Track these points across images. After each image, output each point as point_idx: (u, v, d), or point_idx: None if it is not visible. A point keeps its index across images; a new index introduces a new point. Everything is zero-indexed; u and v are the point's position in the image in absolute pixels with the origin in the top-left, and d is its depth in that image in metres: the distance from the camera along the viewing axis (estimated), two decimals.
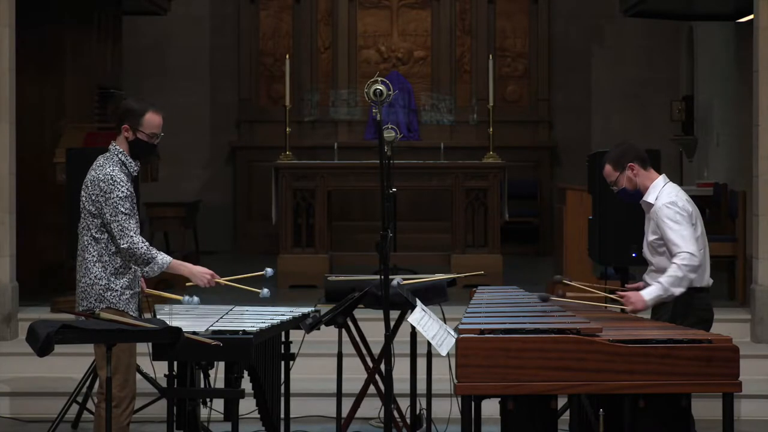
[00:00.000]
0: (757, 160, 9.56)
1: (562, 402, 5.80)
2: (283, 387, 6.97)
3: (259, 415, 6.69)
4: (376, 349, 7.24)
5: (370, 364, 7.34)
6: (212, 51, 15.62)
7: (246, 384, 6.26)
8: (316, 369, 8.60)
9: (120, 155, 6.21)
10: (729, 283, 10.66)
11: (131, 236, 6.08)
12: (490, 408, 5.86)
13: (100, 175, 6.13)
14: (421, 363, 7.41)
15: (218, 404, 6.84)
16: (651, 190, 6.50)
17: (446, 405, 7.55)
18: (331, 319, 6.93)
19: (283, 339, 6.94)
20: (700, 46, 14.82)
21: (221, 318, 6.42)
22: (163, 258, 6.14)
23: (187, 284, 6.40)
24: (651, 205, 6.47)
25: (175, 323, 5.74)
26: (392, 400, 6.34)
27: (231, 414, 6.23)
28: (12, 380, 8.88)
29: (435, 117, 15.33)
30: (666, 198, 6.41)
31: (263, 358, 6.48)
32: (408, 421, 7.50)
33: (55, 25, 11.61)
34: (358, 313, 7.24)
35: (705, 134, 14.47)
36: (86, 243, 6.18)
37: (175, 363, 6.34)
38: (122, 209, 6.08)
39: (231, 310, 6.72)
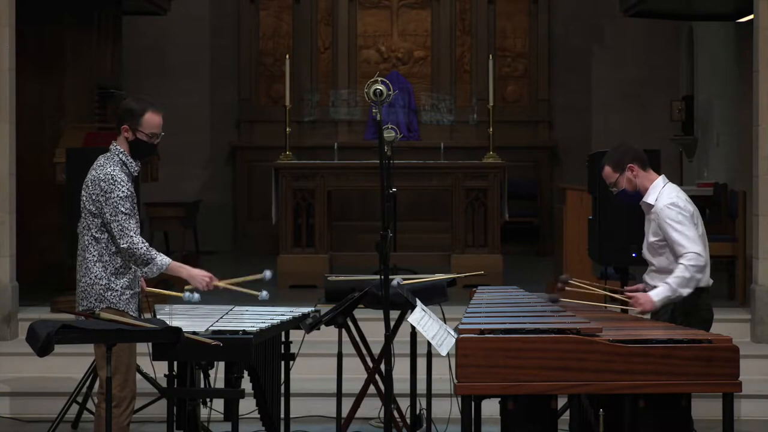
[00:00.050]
0: (757, 160, 9.56)
1: (562, 402, 5.80)
2: (283, 387, 6.97)
3: (259, 415, 6.69)
4: (376, 349, 7.24)
5: (370, 364, 7.33)
6: (212, 51, 15.62)
7: (246, 384, 6.26)
8: (316, 369, 8.60)
9: (121, 155, 6.21)
10: (729, 283, 10.66)
11: (131, 236, 6.08)
12: (490, 408, 5.86)
13: (101, 175, 6.13)
14: (421, 363, 7.41)
15: (218, 404, 6.84)
16: (651, 191, 6.50)
17: (446, 405, 7.55)
18: (331, 319, 6.93)
19: (283, 339, 6.94)
20: (700, 46, 14.82)
21: (221, 318, 6.42)
22: (162, 259, 6.15)
23: (186, 287, 6.40)
24: (651, 206, 6.47)
25: (175, 323, 5.74)
26: (392, 400, 6.34)
27: (231, 414, 6.24)
28: (12, 380, 8.88)
29: (435, 117, 15.33)
30: (667, 199, 6.41)
31: (263, 358, 6.48)
32: (408, 421, 7.50)
33: (55, 25, 11.63)
34: (358, 313, 7.23)
35: (705, 134, 14.47)
36: (87, 243, 6.18)
37: (175, 363, 6.34)
38: (122, 209, 6.09)
39: (231, 310, 6.72)
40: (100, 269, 6.15)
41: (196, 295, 6.48)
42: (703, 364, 5.44)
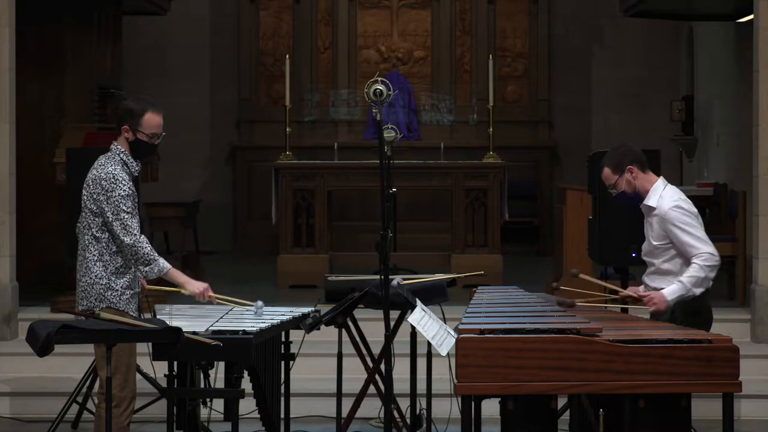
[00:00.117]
0: (757, 160, 9.56)
1: (562, 402, 5.80)
2: (283, 387, 6.97)
3: (259, 415, 6.68)
4: (376, 349, 7.24)
5: (370, 364, 7.33)
6: (212, 51, 15.62)
7: (246, 384, 6.26)
8: (316, 369, 8.60)
9: (122, 155, 6.22)
10: (729, 283, 10.66)
11: (135, 234, 6.10)
12: (490, 408, 5.86)
13: (102, 174, 6.14)
14: (421, 363, 7.41)
15: (218, 404, 6.84)
16: (651, 194, 6.50)
17: (446, 405, 7.55)
18: (331, 319, 6.93)
19: (283, 339, 6.93)
20: (700, 46, 14.82)
21: (221, 318, 6.42)
22: (163, 263, 6.17)
23: (183, 293, 6.41)
24: (652, 209, 6.46)
25: (175, 323, 5.74)
26: (392, 400, 6.34)
27: (231, 414, 6.23)
28: (12, 380, 8.88)
29: (435, 117, 15.33)
30: (670, 202, 6.41)
31: (263, 358, 6.48)
32: (408, 421, 7.50)
33: (55, 25, 11.63)
34: (358, 313, 7.23)
35: (705, 134, 14.47)
36: (87, 242, 6.19)
37: (175, 363, 6.34)
38: (124, 208, 6.10)
39: (231, 310, 6.72)
40: (101, 269, 6.15)
41: (260, 302, 6.54)
42: (703, 364, 5.44)
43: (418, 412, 7.52)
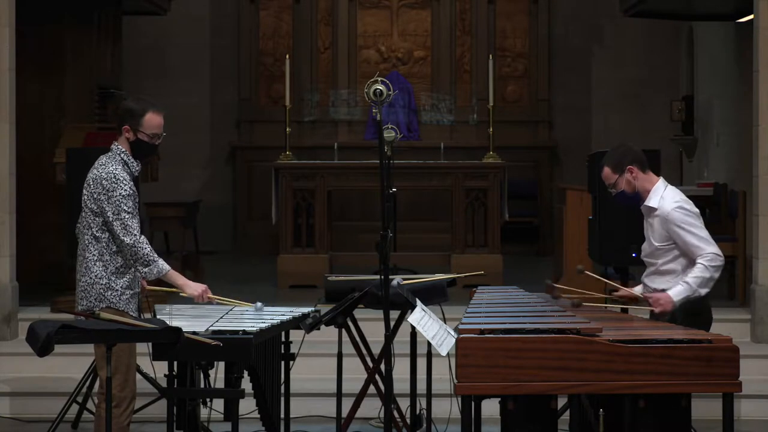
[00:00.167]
0: (757, 160, 9.56)
1: (562, 402, 5.80)
2: (283, 387, 6.97)
3: (259, 415, 6.68)
4: (376, 349, 7.24)
5: (370, 364, 7.33)
6: (212, 51, 15.63)
7: (246, 384, 6.26)
8: (316, 369, 8.60)
9: (122, 155, 6.22)
10: (729, 283, 10.65)
11: (135, 234, 6.10)
12: (490, 408, 5.86)
13: (103, 174, 6.14)
14: (421, 363, 7.41)
15: (218, 404, 6.84)
16: (652, 195, 6.49)
17: (446, 405, 7.55)
18: (331, 319, 6.93)
19: (283, 339, 6.93)
20: (700, 46, 14.82)
21: (221, 318, 6.42)
22: (163, 264, 6.17)
23: (182, 294, 6.41)
24: (653, 210, 6.46)
25: (175, 323, 5.74)
26: (392, 400, 6.34)
27: (231, 414, 6.23)
28: (12, 380, 8.88)
29: (435, 117, 15.34)
30: (672, 202, 6.41)
31: (263, 358, 6.48)
32: (408, 421, 7.50)
33: (55, 25, 11.63)
34: (358, 313, 7.23)
35: (705, 134, 14.47)
36: (87, 242, 6.19)
37: (175, 363, 6.34)
38: (125, 208, 6.10)
39: (231, 310, 6.72)
40: (101, 268, 6.15)
41: (259, 304, 6.55)
42: (703, 364, 5.44)
43: (418, 412, 7.52)
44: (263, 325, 6.26)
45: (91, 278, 6.16)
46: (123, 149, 6.24)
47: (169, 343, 5.63)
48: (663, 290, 6.42)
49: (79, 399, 8.10)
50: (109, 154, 6.25)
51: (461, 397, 5.46)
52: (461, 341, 5.43)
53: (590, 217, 8.99)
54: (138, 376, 6.62)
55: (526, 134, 15.37)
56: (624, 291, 6.75)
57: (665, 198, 6.45)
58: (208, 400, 6.89)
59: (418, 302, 6.11)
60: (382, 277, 5.84)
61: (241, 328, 6.11)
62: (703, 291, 6.32)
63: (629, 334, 5.61)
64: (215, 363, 6.36)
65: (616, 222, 8.30)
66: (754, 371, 8.33)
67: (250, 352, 6.02)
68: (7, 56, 9.49)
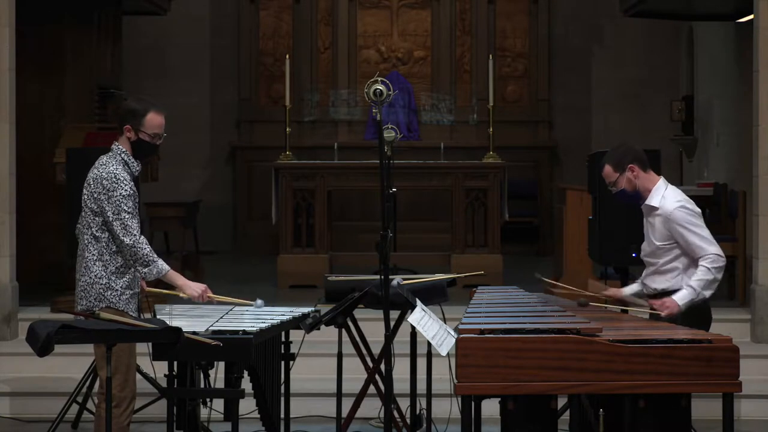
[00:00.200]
0: (757, 160, 9.56)
1: (562, 402, 5.80)
2: (283, 387, 6.97)
3: (259, 415, 6.68)
4: (376, 349, 7.24)
5: (370, 364, 7.33)
6: (212, 51, 15.63)
7: (246, 384, 6.26)
8: (316, 369, 8.60)
9: (123, 155, 6.22)
10: (729, 283, 10.65)
11: (135, 235, 6.10)
12: (490, 408, 5.86)
13: (103, 174, 6.14)
14: (421, 363, 7.41)
15: (218, 404, 6.84)
16: (654, 194, 6.49)
17: (446, 405, 7.55)
18: (331, 319, 6.93)
19: (283, 339, 6.93)
20: (700, 46, 14.82)
21: (221, 318, 6.42)
22: (162, 264, 6.17)
23: (181, 295, 6.40)
24: (655, 209, 6.46)
25: (175, 323, 5.74)
26: (392, 400, 6.34)
27: (231, 414, 6.23)
28: (12, 380, 8.88)
29: (435, 117, 15.34)
30: (674, 202, 6.42)
31: (263, 358, 6.48)
32: (408, 421, 7.50)
33: (55, 25, 11.63)
34: (358, 313, 7.23)
35: (705, 134, 14.47)
36: (87, 242, 6.19)
37: (175, 363, 6.34)
38: (125, 207, 6.10)
39: (231, 310, 6.72)
40: (100, 268, 6.15)
41: (259, 301, 6.54)
42: (703, 364, 5.44)
43: (418, 412, 7.52)
44: (263, 325, 6.26)
45: (90, 278, 6.16)
46: (123, 149, 6.24)
47: (169, 343, 5.63)
48: (663, 290, 6.43)
49: (79, 399, 8.10)
50: (110, 154, 6.25)
51: (461, 397, 5.46)
52: (461, 341, 5.43)
53: (590, 217, 9.00)
54: (138, 376, 6.62)
55: (526, 134, 15.37)
56: (612, 291, 6.75)
57: (667, 197, 6.45)
58: (208, 400, 6.89)
59: (418, 302, 6.11)
60: (382, 277, 5.84)
61: (241, 328, 6.11)
62: (708, 293, 6.34)
63: (629, 334, 5.61)
64: (215, 363, 6.36)
65: (616, 222, 8.30)
66: (754, 371, 8.33)
67: (250, 352, 6.02)
68: (7, 56, 9.49)
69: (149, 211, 12.48)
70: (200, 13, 15.50)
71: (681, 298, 6.31)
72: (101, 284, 6.15)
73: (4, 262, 9.43)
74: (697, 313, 6.35)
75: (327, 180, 11.82)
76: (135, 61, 14.45)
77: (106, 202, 6.10)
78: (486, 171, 11.80)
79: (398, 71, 15.19)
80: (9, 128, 9.49)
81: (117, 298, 6.16)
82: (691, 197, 6.65)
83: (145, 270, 6.15)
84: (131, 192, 6.15)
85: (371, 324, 7.37)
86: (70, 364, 8.57)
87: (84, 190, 6.22)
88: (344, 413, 7.29)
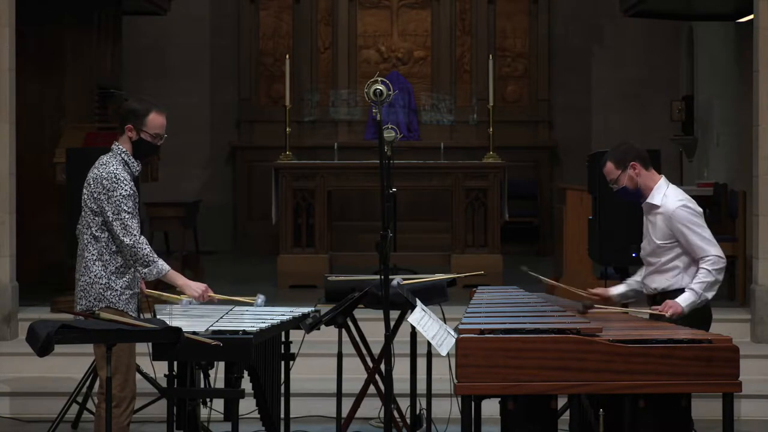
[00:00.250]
0: (757, 160, 9.56)
1: (562, 402, 5.80)
2: (283, 387, 6.97)
3: (259, 415, 6.68)
4: (376, 349, 7.24)
5: (370, 364, 7.33)
6: (212, 51, 15.62)
7: (246, 384, 6.26)
8: (316, 369, 8.60)
9: (123, 155, 6.22)
10: (729, 283, 10.65)
11: (135, 235, 6.10)
12: (490, 408, 5.86)
13: (104, 173, 6.14)
14: (421, 363, 7.41)
15: (218, 404, 6.84)
16: (655, 193, 6.49)
17: (446, 405, 7.55)
18: (331, 319, 6.93)
19: (283, 339, 6.93)
20: (700, 46, 14.82)
21: (221, 318, 6.42)
22: (162, 264, 6.16)
23: (181, 295, 6.40)
24: (656, 207, 6.46)
25: (175, 323, 5.74)
26: (392, 400, 6.34)
27: (231, 414, 6.23)
28: (12, 380, 8.88)
29: (435, 117, 15.33)
30: (676, 201, 6.41)
31: (263, 358, 6.48)
32: (408, 421, 7.50)
33: (55, 25, 11.63)
34: (358, 313, 7.23)
35: (705, 134, 14.47)
36: (86, 241, 6.19)
37: (175, 363, 6.34)
38: (125, 208, 6.10)
39: (231, 310, 6.72)
40: (100, 268, 6.15)
41: (260, 300, 6.54)
42: (703, 364, 5.44)
43: (418, 412, 7.52)
44: (263, 325, 6.26)
45: (90, 278, 6.16)
46: (124, 149, 6.24)
47: (169, 343, 5.63)
48: (664, 289, 6.44)
49: (79, 399, 8.10)
50: (110, 153, 6.25)
51: (461, 397, 5.46)
52: (461, 341, 5.43)
53: (590, 217, 9.00)
54: (138, 376, 6.62)
55: (526, 134, 15.37)
56: (599, 290, 6.74)
57: (668, 196, 6.46)
58: (208, 400, 6.89)
59: (418, 302, 6.11)
60: (382, 277, 5.84)
61: (241, 328, 6.11)
62: (709, 294, 6.35)
63: (629, 334, 5.61)
64: (215, 363, 6.36)
65: (616, 222, 8.31)
66: (754, 371, 8.33)
67: (250, 352, 6.02)
68: (7, 56, 9.49)
69: (149, 211, 12.48)
70: (200, 13, 15.50)
71: (684, 300, 6.31)
72: (101, 284, 6.15)
73: (4, 262, 9.43)
74: (697, 313, 6.35)
75: (327, 180, 11.82)
76: (135, 61, 14.45)
77: (106, 202, 6.10)
78: (486, 171, 11.80)
79: (398, 71, 15.19)
80: (9, 128, 9.49)
81: (116, 298, 6.16)
82: (691, 197, 6.65)
83: (146, 270, 6.15)
84: (131, 192, 6.15)
85: (371, 324, 7.37)
86: (70, 364, 8.57)
87: (84, 189, 6.22)
88: (344, 413, 7.29)
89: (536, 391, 5.44)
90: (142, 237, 6.16)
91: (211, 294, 6.36)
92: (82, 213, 6.23)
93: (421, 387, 7.47)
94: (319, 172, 11.86)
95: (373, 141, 14.08)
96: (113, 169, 6.14)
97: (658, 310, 6.35)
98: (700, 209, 6.46)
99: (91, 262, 6.16)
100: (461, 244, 11.79)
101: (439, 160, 12.68)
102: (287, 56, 12.49)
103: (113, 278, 6.16)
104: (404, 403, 7.46)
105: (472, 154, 13.56)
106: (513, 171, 12.87)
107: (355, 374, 7.51)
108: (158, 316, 6.13)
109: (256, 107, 15.45)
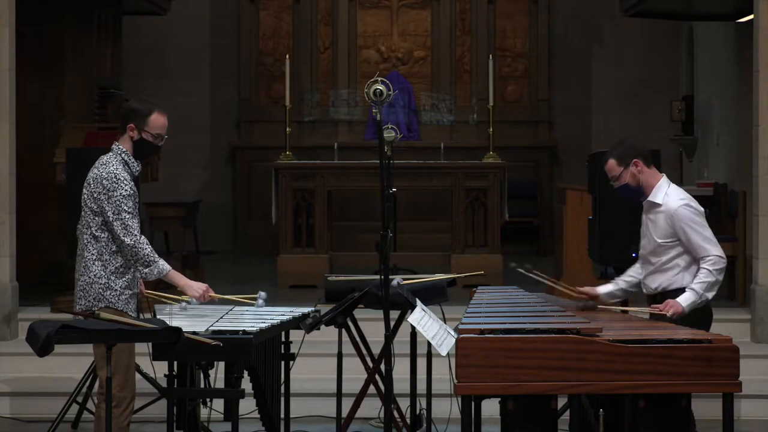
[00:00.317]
0: (757, 160, 9.56)
1: (562, 402, 5.80)
2: (283, 387, 6.97)
3: (259, 415, 6.68)
4: (376, 349, 7.24)
5: (370, 364, 7.33)
6: (212, 51, 15.62)
7: (246, 384, 6.26)
8: (316, 369, 8.60)
9: (123, 155, 6.22)
10: (729, 283, 10.64)
11: (136, 235, 6.10)
12: (490, 408, 5.86)
13: (104, 173, 6.14)
14: (421, 363, 7.41)
15: (218, 404, 6.84)
16: (656, 191, 6.48)
17: (446, 405, 7.55)
18: (331, 319, 6.93)
19: (283, 339, 6.93)
20: (700, 46, 14.82)
21: (221, 318, 6.41)
22: (163, 264, 6.16)
23: (182, 296, 6.40)
24: (657, 206, 6.45)
25: (175, 323, 5.74)
26: (392, 400, 6.34)
27: (231, 414, 6.23)
28: (12, 380, 8.88)
29: (435, 117, 15.33)
30: (678, 200, 6.41)
31: (263, 358, 6.48)
32: (408, 421, 7.49)
33: (55, 25, 11.63)
34: (358, 313, 7.23)
35: (705, 134, 14.47)
36: (86, 241, 6.19)
37: (175, 363, 6.34)
38: (125, 208, 6.10)
39: (231, 310, 6.72)
40: (99, 268, 6.15)
41: (261, 298, 6.53)
42: (703, 364, 5.44)
43: (418, 412, 7.52)
44: (263, 325, 6.26)
45: (89, 278, 6.16)
46: (124, 149, 6.24)
47: (169, 343, 5.63)
48: (664, 288, 6.44)
49: (79, 399, 8.10)
50: (110, 153, 6.25)
51: (461, 397, 5.46)
52: (461, 341, 5.43)
53: (590, 217, 9.00)
54: (138, 376, 6.62)
55: (526, 134, 15.37)
56: (586, 289, 6.74)
57: (670, 195, 6.45)
58: (208, 400, 6.89)
59: (418, 302, 6.11)
60: (382, 277, 5.84)
61: (241, 328, 6.11)
62: (710, 295, 6.36)
63: (629, 334, 5.61)
64: (215, 363, 6.36)
65: (616, 222, 8.30)
66: (754, 371, 8.33)
67: (250, 352, 6.02)
68: (7, 56, 9.49)
69: (149, 211, 12.47)
70: (200, 13, 15.50)
71: (684, 300, 6.31)
72: (100, 284, 6.15)
73: (4, 262, 9.43)
74: (697, 313, 6.35)
75: (327, 180, 11.82)
76: (135, 61, 14.45)
77: (106, 202, 6.10)
78: (486, 171, 11.80)
79: (398, 71, 15.19)
80: (9, 128, 9.49)
81: (116, 298, 6.16)
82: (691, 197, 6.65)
83: (147, 270, 6.14)
84: (131, 192, 6.15)
85: (371, 324, 7.37)
86: (70, 364, 8.57)
87: (84, 189, 6.22)
88: (344, 413, 7.29)
89: (536, 391, 5.44)
90: (143, 237, 6.16)
91: (212, 294, 6.36)
92: (82, 213, 6.23)
93: (421, 387, 7.47)
94: (319, 172, 11.86)
95: (373, 141, 14.08)
96: (113, 169, 6.14)
97: (658, 309, 6.35)
98: (701, 209, 6.47)
99: (91, 262, 6.16)
100: (461, 244, 11.79)
101: (439, 160, 12.68)
102: (287, 56, 12.49)
103: (113, 278, 6.16)
104: (404, 403, 7.46)
105: (472, 154, 13.56)
106: (513, 171, 12.88)
107: (355, 374, 7.51)
108: (158, 316, 6.13)
109: (256, 107, 15.45)
